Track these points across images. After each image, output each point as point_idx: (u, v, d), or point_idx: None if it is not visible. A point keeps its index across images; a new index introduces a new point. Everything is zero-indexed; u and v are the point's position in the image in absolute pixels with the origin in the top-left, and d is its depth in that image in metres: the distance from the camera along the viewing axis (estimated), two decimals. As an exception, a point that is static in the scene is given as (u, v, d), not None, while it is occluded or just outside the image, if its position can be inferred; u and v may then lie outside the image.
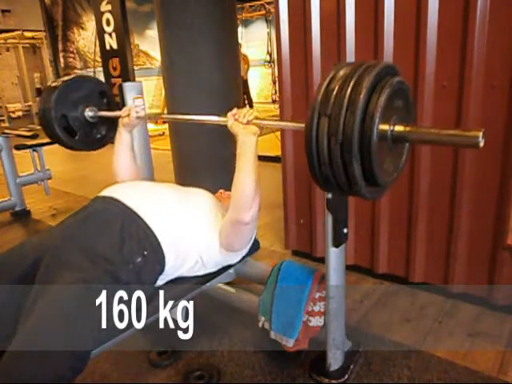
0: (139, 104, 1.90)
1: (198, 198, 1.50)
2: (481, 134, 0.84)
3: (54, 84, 1.80)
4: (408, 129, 0.94)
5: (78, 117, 1.83)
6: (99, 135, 1.92)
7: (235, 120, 1.27)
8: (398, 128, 0.93)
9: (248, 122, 1.25)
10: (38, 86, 11.02)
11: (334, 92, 0.90)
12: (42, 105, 1.77)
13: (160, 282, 1.36)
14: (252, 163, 1.27)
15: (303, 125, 0.98)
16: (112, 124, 1.94)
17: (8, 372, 0.91)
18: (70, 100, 1.79)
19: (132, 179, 1.65)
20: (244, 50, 9.46)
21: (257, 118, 1.27)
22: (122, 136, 1.64)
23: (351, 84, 0.89)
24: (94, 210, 1.33)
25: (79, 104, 1.82)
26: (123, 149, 1.65)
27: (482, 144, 0.84)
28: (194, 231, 1.39)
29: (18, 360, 0.93)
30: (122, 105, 1.91)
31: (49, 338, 0.97)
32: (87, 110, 1.83)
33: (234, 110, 1.29)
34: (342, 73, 0.93)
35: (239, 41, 9.58)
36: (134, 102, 1.90)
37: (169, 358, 1.62)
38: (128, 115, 1.60)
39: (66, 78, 1.86)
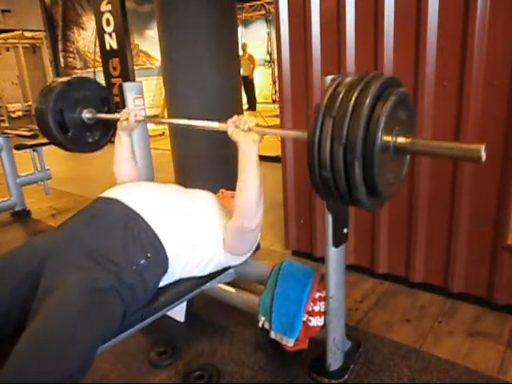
0: (139, 104, 1.90)
1: (202, 200, 1.51)
2: (482, 147, 0.83)
3: (56, 82, 1.81)
4: (410, 140, 0.94)
5: (75, 116, 1.82)
6: (91, 139, 1.91)
7: (236, 127, 1.26)
8: (400, 140, 0.93)
9: (249, 130, 1.24)
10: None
11: (341, 95, 0.91)
12: (42, 96, 1.76)
13: (162, 283, 1.36)
14: (254, 171, 1.26)
15: (305, 133, 0.97)
16: (107, 131, 1.94)
17: (15, 372, 0.91)
18: (70, 97, 1.79)
19: (134, 179, 1.66)
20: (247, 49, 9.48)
21: (257, 125, 1.26)
22: (122, 139, 1.64)
23: (358, 89, 0.89)
24: (97, 212, 1.33)
25: (79, 104, 1.82)
26: (123, 151, 1.65)
27: (483, 158, 0.83)
28: (197, 233, 1.39)
29: (25, 361, 0.93)
30: (122, 105, 1.91)
31: (55, 339, 0.97)
32: (85, 111, 1.83)
33: (235, 117, 1.28)
34: (348, 79, 0.94)
35: (244, 40, 9.57)
36: (134, 102, 1.89)
37: (169, 358, 1.62)
38: (127, 119, 1.60)
39: (70, 77, 1.86)
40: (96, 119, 1.86)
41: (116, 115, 1.72)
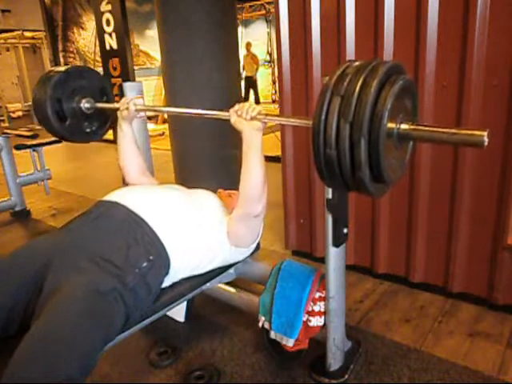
0: (139, 103, 1.90)
1: (203, 199, 1.51)
2: (486, 133, 0.84)
3: (54, 70, 1.79)
4: (413, 127, 0.95)
5: (73, 105, 1.80)
6: (89, 129, 1.89)
7: (238, 116, 1.27)
8: (404, 126, 0.95)
9: (252, 118, 1.24)
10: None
11: (349, 76, 0.92)
12: (40, 85, 1.74)
13: (164, 284, 1.36)
14: (259, 157, 1.28)
15: (309, 120, 0.98)
16: (105, 121, 1.92)
17: (17, 373, 0.91)
18: (68, 87, 1.77)
19: (140, 171, 1.68)
20: (244, 50, 9.47)
21: (260, 113, 1.26)
22: (124, 129, 1.65)
23: (366, 71, 0.91)
24: (99, 215, 1.33)
25: (77, 93, 1.80)
26: (127, 142, 1.66)
27: (486, 143, 0.85)
28: (200, 233, 1.40)
29: (29, 361, 0.93)
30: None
31: (58, 340, 0.97)
32: (84, 100, 1.81)
33: (236, 106, 1.28)
34: (357, 63, 0.96)
35: (246, 40, 9.53)
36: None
37: (169, 358, 1.62)
38: (127, 108, 1.60)
39: (67, 66, 1.85)
40: (94, 109, 1.85)
41: (115, 105, 1.71)
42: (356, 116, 0.87)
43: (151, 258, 1.25)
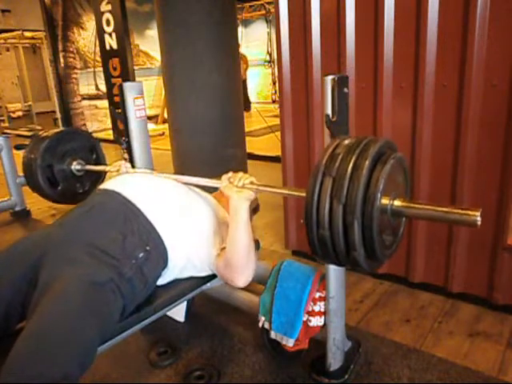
0: (139, 104, 1.89)
1: (200, 197, 1.51)
2: (478, 214, 0.85)
3: (44, 134, 1.81)
4: (406, 204, 0.95)
5: (64, 169, 1.83)
6: (81, 190, 1.94)
7: (230, 183, 1.27)
8: (397, 203, 0.95)
9: (243, 186, 1.24)
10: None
11: (340, 156, 0.92)
12: (29, 153, 1.76)
13: (163, 280, 1.36)
14: (244, 228, 1.26)
15: (303, 193, 0.98)
16: (96, 180, 1.95)
17: (16, 370, 0.91)
18: (58, 151, 1.80)
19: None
20: (244, 50, 9.46)
21: (252, 183, 1.25)
22: None
23: (357, 152, 0.91)
24: (95, 205, 1.32)
25: (67, 156, 1.83)
26: None
27: (479, 223, 0.85)
28: (195, 230, 1.39)
29: (26, 358, 0.92)
30: (122, 105, 1.90)
31: (54, 336, 0.96)
32: (75, 163, 1.84)
33: (230, 174, 1.29)
34: (347, 141, 0.96)
35: (244, 40, 9.51)
36: (134, 102, 1.89)
37: (169, 358, 1.62)
38: (118, 171, 1.62)
39: (56, 130, 1.86)
40: (85, 170, 1.88)
41: (105, 167, 1.74)
42: (349, 198, 0.87)
43: (148, 248, 1.24)
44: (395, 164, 0.93)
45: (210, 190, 1.62)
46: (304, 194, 0.96)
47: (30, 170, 1.77)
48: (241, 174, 1.28)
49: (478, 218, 0.84)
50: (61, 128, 1.95)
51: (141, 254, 1.22)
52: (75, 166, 1.84)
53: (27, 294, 1.11)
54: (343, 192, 0.88)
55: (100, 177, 1.96)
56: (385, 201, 0.92)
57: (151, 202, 1.34)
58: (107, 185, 1.40)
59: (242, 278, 1.31)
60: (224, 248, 1.34)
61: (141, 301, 1.27)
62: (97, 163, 1.92)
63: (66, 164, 1.83)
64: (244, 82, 9.73)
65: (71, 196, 1.91)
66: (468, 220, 0.87)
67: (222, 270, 1.34)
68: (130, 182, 1.44)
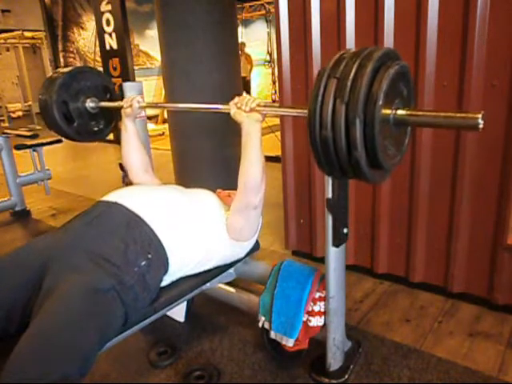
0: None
1: (202, 196, 1.52)
2: (480, 115, 0.85)
3: (56, 75, 1.80)
4: (409, 112, 0.96)
5: (79, 106, 1.84)
6: (96, 128, 1.94)
7: (238, 108, 1.30)
8: (400, 112, 0.96)
9: (251, 110, 1.28)
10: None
11: (345, 60, 0.94)
12: (44, 89, 1.77)
13: (163, 282, 1.36)
14: (258, 148, 1.31)
15: (306, 110, 0.99)
16: (111, 119, 1.95)
17: (17, 371, 0.91)
18: (73, 88, 1.80)
19: (143, 167, 1.72)
20: (246, 49, 9.47)
21: (259, 105, 1.29)
22: (127, 126, 1.70)
23: (362, 55, 0.92)
24: (98, 214, 1.33)
25: (82, 94, 1.83)
26: (131, 139, 1.71)
27: (481, 126, 0.85)
28: (198, 231, 1.40)
29: (26, 361, 0.93)
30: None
31: (55, 340, 0.97)
32: (89, 100, 1.85)
33: (236, 99, 1.32)
34: (353, 50, 0.98)
35: (244, 40, 9.51)
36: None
37: (169, 358, 1.62)
38: (130, 105, 1.66)
39: (69, 67, 1.87)
40: (99, 108, 1.88)
41: (119, 103, 1.75)
42: (351, 96, 0.88)
43: (150, 256, 1.26)
44: (399, 70, 0.93)
45: (213, 188, 1.63)
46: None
47: (45, 107, 1.77)
48: (247, 97, 1.31)
49: (480, 121, 0.85)
50: (73, 66, 1.93)
51: (143, 262, 1.24)
52: (89, 104, 1.85)
53: (30, 298, 1.12)
54: (346, 91, 0.89)
55: (113, 116, 1.95)
56: (388, 110, 0.93)
57: (152, 210, 1.35)
58: (109, 197, 1.42)
59: (259, 195, 1.35)
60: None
61: (143, 308, 1.27)
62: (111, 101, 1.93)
63: (81, 102, 1.84)
64: (248, 82, 9.74)
65: (87, 134, 1.92)
66: (470, 122, 0.88)
67: (235, 206, 1.40)
68: (130, 193, 1.46)
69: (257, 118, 1.29)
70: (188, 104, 1.58)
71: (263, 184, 1.34)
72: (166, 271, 1.33)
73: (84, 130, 1.89)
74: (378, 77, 0.90)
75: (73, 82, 1.80)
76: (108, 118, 1.96)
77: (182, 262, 1.37)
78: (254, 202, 1.36)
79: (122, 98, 1.84)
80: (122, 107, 1.70)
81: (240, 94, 1.34)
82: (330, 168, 1.01)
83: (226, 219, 1.44)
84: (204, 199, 1.52)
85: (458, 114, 0.92)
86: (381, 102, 0.88)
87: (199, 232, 1.40)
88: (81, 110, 1.85)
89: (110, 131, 2.00)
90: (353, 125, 0.88)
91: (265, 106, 1.30)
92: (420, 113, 0.98)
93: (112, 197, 1.41)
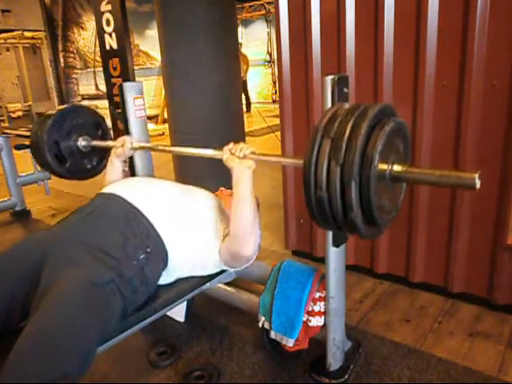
0: (139, 104, 1.90)
1: (200, 196, 1.51)
2: (476, 175, 0.84)
3: (49, 112, 1.80)
4: (406, 169, 0.95)
5: (71, 145, 1.81)
6: (89, 165, 1.93)
7: (231, 154, 1.29)
8: (397, 168, 0.95)
9: (244, 156, 1.27)
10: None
11: (339, 119, 0.92)
12: (35, 129, 1.75)
13: (163, 280, 1.36)
14: (247, 196, 1.28)
15: (299, 161, 0.99)
16: (103, 156, 1.93)
17: (17, 369, 0.91)
18: (64, 128, 1.78)
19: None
20: (244, 50, 9.46)
21: (253, 152, 1.28)
22: (115, 165, 1.66)
23: (356, 114, 0.91)
24: (96, 207, 1.33)
25: (73, 132, 1.81)
26: (114, 173, 1.67)
27: (478, 186, 0.85)
28: (196, 231, 1.39)
29: (25, 359, 0.92)
30: (122, 105, 1.91)
31: (54, 336, 0.97)
32: (80, 139, 1.83)
33: (231, 145, 1.31)
34: (346, 106, 0.97)
35: (244, 40, 9.52)
36: (134, 102, 1.89)
37: (169, 358, 1.62)
38: (122, 145, 1.63)
39: (61, 106, 1.85)
40: (91, 146, 1.86)
41: (110, 142, 1.74)
42: (346, 158, 0.87)
43: (148, 249, 1.25)
44: (395, 127, 0.92)
45: (212, 189, 1.62)
46: (302, 162, 0.96)
47: (37, 148, 1.76)
48: (242, 144, 1.30)
49: (477, 180, 0.84)
50: (64, 105, 1.92)
51: (142, 256, 1.23)
52: (81, 142, 1.83)
53: (29, 293, 1.12)
54: (341, 152, 0.88)
55: (106, 153, 1.94)
56: (384, 165, 0.92)
57: (151, 203, 1.35)
58: (108, 189, 1.41)
59: (250, 245, 1.31)
60: (227, 235, 1.35)
61: (141, 302, 1.27)
62: (103, 139, 1.91)
63: (73, 140, 1.82)
64: (244, 82, 9.72)
65: (80, 172, 1.91)
66: (466, 182, 0.87)
67: (228, 246, 1.35)
68: (129, 185, 1.45)
69: (249, 164, 1.27)
70: (180, 148, 1.55)
71: (254, 234, 1.30)
72: (165, 266, 1.33)
73: (77, 169, 1.88)
74: (373, 136, 0.88)
75: (64, 120, 1.78)
76: (101, 155, 1.94)
77: (181, 259, 1.36)
78: (245, 254, 1.31)
79: (121, 99, 1.84)
80: (112, 147, 1.67)
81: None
82: (325, 224, 1.00)
83: (219, 250, 1.38)
84: (201, 200, 1.48)
85: (455, 173, 0.91)
86: (376, 163, 0.87)
87: (196, 231, 1.39)
88: (73, 149, 1.83)
89: (103, 167, 1.97)
90: (348, 186, 0.87)
91: (259, 155, 1.28)
92: (416, 170, 0.97)
93: (111, 188, 1.41)
